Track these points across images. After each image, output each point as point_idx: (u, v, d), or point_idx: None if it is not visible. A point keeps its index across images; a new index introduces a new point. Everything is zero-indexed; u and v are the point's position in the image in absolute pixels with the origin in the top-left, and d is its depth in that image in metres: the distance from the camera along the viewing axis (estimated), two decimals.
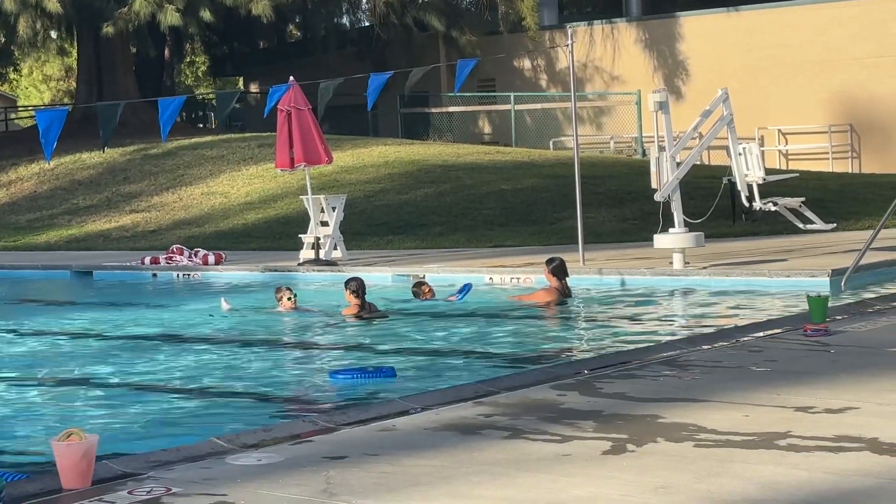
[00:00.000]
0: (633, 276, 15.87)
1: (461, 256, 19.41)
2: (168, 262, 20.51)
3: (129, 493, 6.36)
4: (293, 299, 14.77)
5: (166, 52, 45.75)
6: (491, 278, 16.81)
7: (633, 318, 13.57)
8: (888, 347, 9.83)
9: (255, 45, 48.27)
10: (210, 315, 15.21)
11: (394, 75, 19.69)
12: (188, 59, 58.17)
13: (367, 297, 14.29)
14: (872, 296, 13.30)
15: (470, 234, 22.41)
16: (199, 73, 61.90)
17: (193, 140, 34.51)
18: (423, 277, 16.72)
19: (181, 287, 19.27)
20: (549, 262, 14.96)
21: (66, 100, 57.76)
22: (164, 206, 28.58)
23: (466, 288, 15.44)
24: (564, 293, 14.78)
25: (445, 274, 17.19)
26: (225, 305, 15.54)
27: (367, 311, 14.08)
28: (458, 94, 19.05)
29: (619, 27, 37.08)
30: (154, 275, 20.13)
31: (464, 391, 8.78)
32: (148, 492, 6.36)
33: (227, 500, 6.16)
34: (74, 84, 46.93)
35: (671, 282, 15.54)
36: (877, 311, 11.80)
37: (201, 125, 48.88)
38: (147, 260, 20.71)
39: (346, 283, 14.33)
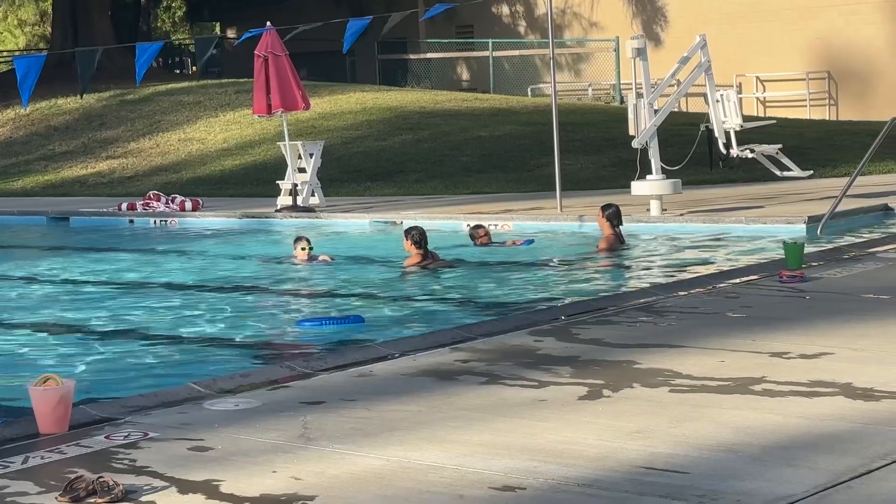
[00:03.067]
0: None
1: (439, 203, 19.39)
2: (145, 209, 20.45)
3: (107, 437, 6.37)
4: (307, 249, 14.25)
5: None
6: (468, 224, 16.78)
7: (610, 265, 13.60)
8: (863, 293, 9.89)
9: None
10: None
11: (372, 21, 19.60)
12: (164, 4, 57.69)
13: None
14: (848, 242, 13.35)
15: (448, 180, 22.38)
16: (176, 19, 61.36)
17: (170, 86, 34.31)
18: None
19: (158, 233, 19.22)
20: (604, 207, 14.38)
21: (41, 45, 57.26)
22: (140, 153, 28.46)
23: (530, 242, 15.14)
24: (620, 240, 14.23)
25: (423, 220, 17.17)
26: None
27: (431, 261, 13.33)
28: (426, 16, 18.93)
29: None
30: (131, 221, 20.07)
31: (441, 337, 8.80)
32: (125, 436, 6.37)
33: (204, 445, 6.18)
34: (50, 29, 46.53)
35: (648, 228, 15.56)
36: (852, 258, 11.86)
37: (178, 71, 48.57)
38: (124, 206, 20.64)
39: (407, 232, 13.51)
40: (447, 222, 16.78)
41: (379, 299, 11.93)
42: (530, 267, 13.68)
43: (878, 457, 5.57)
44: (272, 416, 6.69)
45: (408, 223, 17.24)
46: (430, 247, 13.51)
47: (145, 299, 12.48)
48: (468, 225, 15.75)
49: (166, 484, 5.59)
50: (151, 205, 20.61)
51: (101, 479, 5.43)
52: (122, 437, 6.36)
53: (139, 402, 7.12)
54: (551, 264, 13.86)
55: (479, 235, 15.04)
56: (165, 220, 19.77)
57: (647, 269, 13.33)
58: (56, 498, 5.42)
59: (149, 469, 5.81)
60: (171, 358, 9.52)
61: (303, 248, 14.27)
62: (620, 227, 14.33)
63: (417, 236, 13.29)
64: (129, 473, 5.75)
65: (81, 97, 25.63)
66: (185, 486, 5.55)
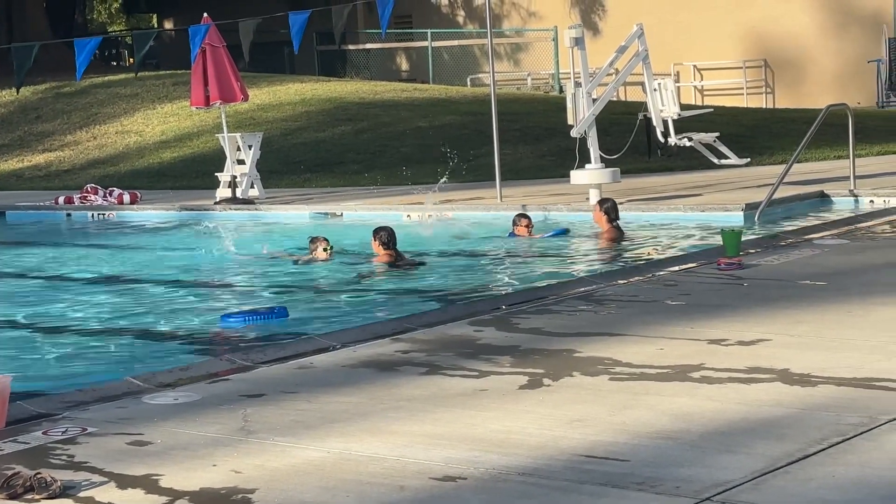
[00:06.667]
0: (552, 212, 15.91)
1: (379, 194, 19.36)
2: (82, 202, 20.29)
3: (44, 433, 6.32)
4: (329, 251, 13.49)
5: None
6: (409, 215, 16.80)
7: (549, 254, 13.63)
8: (800, 280, 9.97)
9: None
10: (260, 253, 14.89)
11: (312, 14, 19.51)
12: None
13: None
14: (785, 229, 13.46)
15: (387, 171, 22.35)
16: (112, 10, 60.85)
17: (107, 78, 33.99)
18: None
19: (96, 227, 19.07)
20: (601, 202, 14.14)
21: None
22: (77, 145, 28.21)
23: (561, 231, 14.81)
24: (620, 232, 13.96)
25: (363, 212, 17.16)
26: (265, 250, 15.05)
27: (400, 261, 12.90)
28: (383, 31, 18.72)
29: None
30: (68, 215, 19.90)
31: (381, 328, 8.80)
32: (63, 432, 6.32)
33: (143, 440, 6.14)
34: None
35: (588, 217, 15.59)
36: (789, 245, 11.95)
37: (115, 63, 48.17)
38: (61, 200, 20.46)
39: (375, 232, 12.94)
40: (387, 213, 16.73)
41: (326, 293, 11.90)
42: (479, 257, 13.69)
43: (814, 441, 5.62)
44: (212, 410, 6.66)
45: (348, 215, 17.25)
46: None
47: (83, 293, 12.38)
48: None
49: (105, 479, 5.55)
50: (89, 198, 20.44)
51: (38, 476, 5.39)
52: (59, 433, 6.31)
53: (77, 398, 7.07)
54: (499, 255, 13.86)
55: (519, 223, 14.55)
56: (103, 214, 19.63)
57: (587, 257, 13.39)
58: None
59: (87, 464, 5.77)
60: (109, 352, 9.46)
61: (325, 249, 13.51)
62: (618, 220, 14.09)
63: (386, 237, 12.92)
64: (68, 469, 5.71)
65: (17, 92, 25.34)
66: (124, 481, 5.51)
